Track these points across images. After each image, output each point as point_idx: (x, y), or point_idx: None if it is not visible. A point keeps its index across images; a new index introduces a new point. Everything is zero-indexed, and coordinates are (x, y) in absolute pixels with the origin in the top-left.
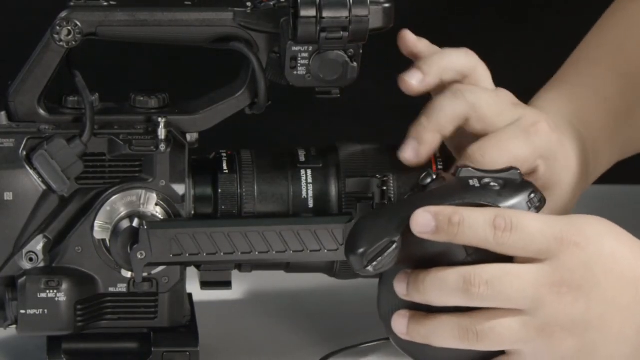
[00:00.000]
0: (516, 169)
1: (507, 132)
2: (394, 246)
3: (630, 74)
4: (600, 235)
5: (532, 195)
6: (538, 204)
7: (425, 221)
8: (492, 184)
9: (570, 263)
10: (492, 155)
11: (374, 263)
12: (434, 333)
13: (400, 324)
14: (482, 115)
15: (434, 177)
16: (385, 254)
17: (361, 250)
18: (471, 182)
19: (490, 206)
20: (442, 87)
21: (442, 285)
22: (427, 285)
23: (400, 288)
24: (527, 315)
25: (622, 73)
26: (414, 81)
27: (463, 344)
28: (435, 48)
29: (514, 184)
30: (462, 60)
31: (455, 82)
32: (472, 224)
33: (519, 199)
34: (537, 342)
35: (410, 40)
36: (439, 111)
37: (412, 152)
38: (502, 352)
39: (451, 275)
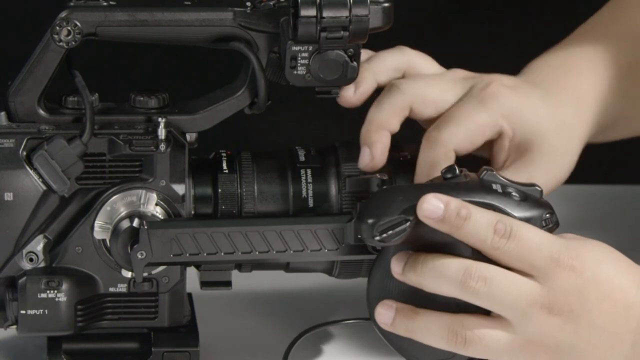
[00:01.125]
0: (538, 186)
1: (460, 105)
2: (408, 224)
3: (630, 35)
4: (597, 262)
5: (548, 215)
6: (551, 225)
7: (433, 207)
8: (513, 193)
9: (565, 287)
10: (448, 130)
11: (384, 235)
12: (421, 329)
13: (385, 315)
14: (425, 99)
15: (457, 172)
16: (397, 229)
17: (374, 220)
18: (494, 187)
19: (504, 212)
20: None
21: (441, 271)
22: (426, 267)
23: (397, 266)
24: (514, 331)
25: (621, 34)
26: (349, 94)
27: (448, 345)
28: (370, 53)
29: (533, 199)
30: (393, 58)
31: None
32: (476, 222)
33: (536, 214)
34: (519, 359)
35: None
36: (378, 110)
37: (367, 157)
38: None
39: (453, 264)
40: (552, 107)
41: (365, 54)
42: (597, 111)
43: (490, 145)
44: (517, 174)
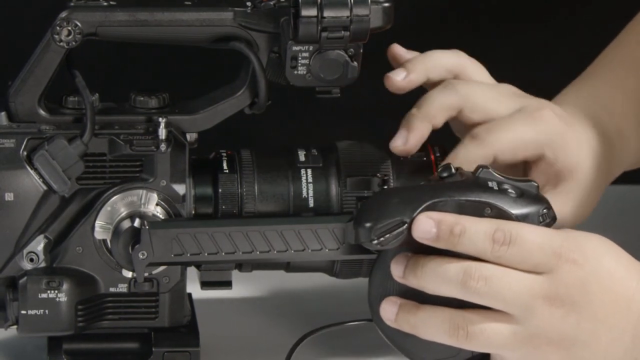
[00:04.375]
0: (534, 181)
1: (513, 116)
2: (405, 227)
3: None
4: (598, 254)
5: (545, 210)
6: (549, 220)
7: (426, 228)
8: (509, 190)
9: (567, 279)
10: (496, 134)
11: (382, 238)
12: (424, 324)
13: (389, 311)
14: (476, 104)
15: (453, 171)
16: (394, 232)
17: (371, 224)
18: (490, 184)
19: (501, 210)
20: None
21: (441, 273)
22: (426, 270)
23: (397, 270)
24: (517, 324)
25: None
26: (398, 77)
27: (451, 339)
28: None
29: (530, 194)
30: (449, 59)
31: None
32: (472, 235)
33: (533, 210)
34: (523, 352)
35: (400, 54)
36: (429, 101)
37: (402, 139)
38: (486, 355)
39: (453, 265)
40: (591, 141)
41: (412, 54)
42: (627, 147)
43: (529, 166)
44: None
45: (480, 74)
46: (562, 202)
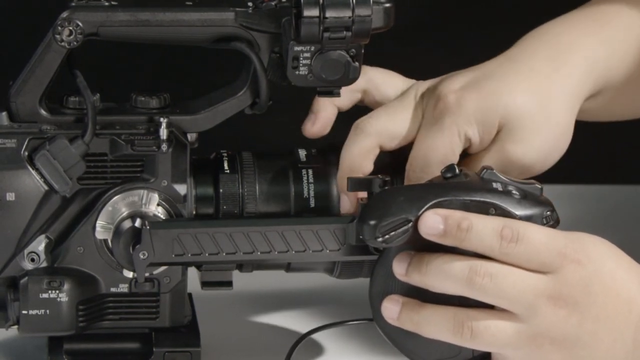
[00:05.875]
0: (538, 184)
1: (420, 136)
2: (410, 225)
3: None
4: (601, 256)
5: (549, 213)
6: (552, 222)
7: (434, 223)
8: (514, 191)
9: (571, 279)
10: (421, 168)
11: (386, 236)
12: (427, 322)
13: (391, 309)
14: (392, 134)
15: (457, 172)
16: (399, 230)
17: (376, 221)
18: (494, 185)
19: (505, 210)
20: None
21: (446, 270)
22: (431, 267)
23: (400, 267)
24: (521, 322)
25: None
26: (308, 124)
27: (455, 338)
28: None
29: (533, 196)
30: None
31: (357, 102)
32: (480, 231)
33: (537, 212)
34: (525, 351)
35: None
36: (348, 156)
37: (347, 205)
38: (487, 355)
39: (458, 262)
40: (525, 80)
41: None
42: (592, 69)
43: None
44: (490, 151)
45: (390, 81)
46: (503, 145)
